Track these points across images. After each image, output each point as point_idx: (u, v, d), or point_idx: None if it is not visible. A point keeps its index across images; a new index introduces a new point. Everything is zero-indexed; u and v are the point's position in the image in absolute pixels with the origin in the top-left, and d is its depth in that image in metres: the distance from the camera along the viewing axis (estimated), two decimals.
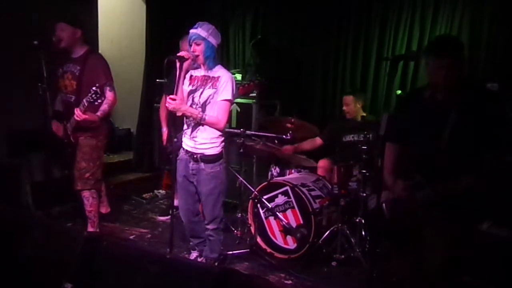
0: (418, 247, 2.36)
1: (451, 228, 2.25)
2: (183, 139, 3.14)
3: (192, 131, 3.06)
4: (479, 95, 2.27)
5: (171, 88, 3.02)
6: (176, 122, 3.27)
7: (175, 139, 3.18)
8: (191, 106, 3.03)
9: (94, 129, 3.65)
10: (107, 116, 3.69)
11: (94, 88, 3.26)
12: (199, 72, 3.10)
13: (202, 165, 3.03)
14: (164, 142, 4.09)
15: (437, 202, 2.23)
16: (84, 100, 3.31)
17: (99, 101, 3.35)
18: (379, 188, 2.23)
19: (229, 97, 2.97)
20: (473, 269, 2.98)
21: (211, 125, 2.98)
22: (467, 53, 4.13)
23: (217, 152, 3.06)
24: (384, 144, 2.27)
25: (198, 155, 3.03)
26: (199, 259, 3.39)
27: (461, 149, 2.19)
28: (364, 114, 4.28)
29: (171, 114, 3.08)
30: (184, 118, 3.14)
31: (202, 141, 3.02)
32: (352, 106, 4.19)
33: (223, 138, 3.11)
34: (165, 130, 4.13)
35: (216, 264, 3.27)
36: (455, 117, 2.19)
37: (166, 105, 2.92)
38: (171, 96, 2.92)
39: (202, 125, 3.00)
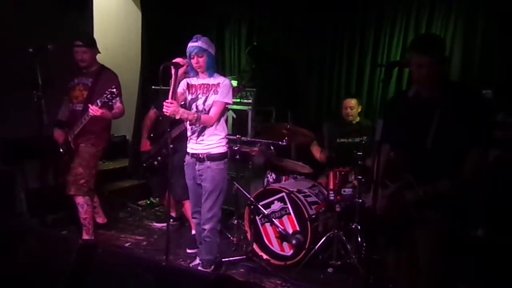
0: (411, 246, 2.36)
1: (441, 228, 2.26)
2: (188, 144, 3.25)
3: (198, 136, 3.17)
4: (461, 93, 2.30)
5: (164, 99, 3.06)
6: (163, 129, 3.45)
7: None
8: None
9: (96, 137, 3.74)
10: (110, 123, 3.86)
11: (110, 89, 3.35)
12: (196, 81, 3.21)
13: (208, 163, 3.17)
14: (142, 149, 4.22)
15: (427, 202, 2.24)
16: (98, 100, 3.39)
17: (113, 101, 3.46)
18: (375, 188, 2.23)
19: (227, 100, 3.13)
20: (468, 275, 2.98)
21: (204, 123, 3.10)
22: (461, 58, 4.18)
23: (223, 151, 3.20)
24: (380, 148, 2.28)
25: (204, 155, 3.16)
26: (199, 268, 3.38)
27: (447, 147, 2.22)
28: (358, 119, 4.30)
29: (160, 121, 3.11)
30: (188, 125, 3.23)
31: (209, 142, 3.16)
32: (356, 110, 4.25)
33: (227, 140, 3.26)
34: (146, 138, 4.21)
35: (212, 267, 3.32)
36: (439, 115, 2.23)
37: (164, 110, 2.95)
38: (168, 101, 2.97)
39: (207, 128, 3.13)
